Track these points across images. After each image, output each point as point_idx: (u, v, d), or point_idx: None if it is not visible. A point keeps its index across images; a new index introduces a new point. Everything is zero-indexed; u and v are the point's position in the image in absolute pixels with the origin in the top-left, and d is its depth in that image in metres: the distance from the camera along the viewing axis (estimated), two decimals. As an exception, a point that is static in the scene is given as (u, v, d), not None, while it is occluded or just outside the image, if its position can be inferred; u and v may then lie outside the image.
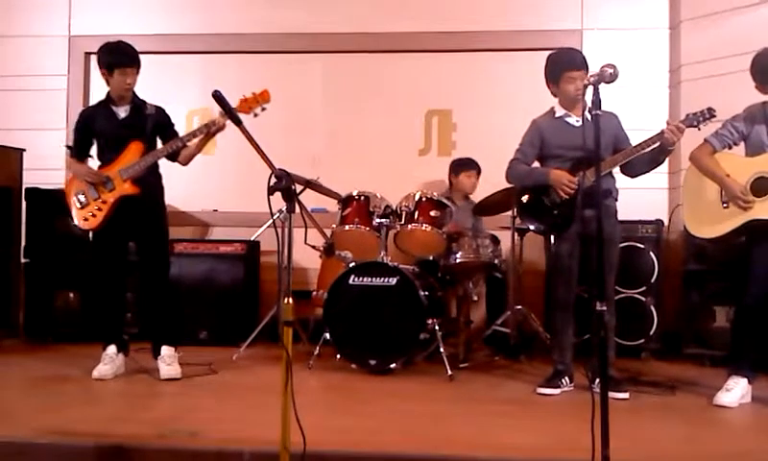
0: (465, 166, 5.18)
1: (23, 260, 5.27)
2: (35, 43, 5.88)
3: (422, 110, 5.74)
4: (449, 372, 3.98)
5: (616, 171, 3.74)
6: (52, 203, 5.20)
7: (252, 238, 5.24)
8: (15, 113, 5.81)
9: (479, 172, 5.18)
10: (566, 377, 3.73)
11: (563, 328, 3.79)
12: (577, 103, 3.74)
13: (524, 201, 3.87)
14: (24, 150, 5.31)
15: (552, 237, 3.88)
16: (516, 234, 4.80)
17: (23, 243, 5.27)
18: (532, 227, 3.91)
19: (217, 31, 5.79)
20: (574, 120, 3.78)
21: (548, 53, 3.88)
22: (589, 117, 2.48)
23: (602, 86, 2.50)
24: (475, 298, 4.62)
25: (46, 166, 5.58)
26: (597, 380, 2.53)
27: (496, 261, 4.43)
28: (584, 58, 3.81)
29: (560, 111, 3.82)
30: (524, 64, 5.34)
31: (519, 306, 4.79)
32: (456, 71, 5.69)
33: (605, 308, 2.37)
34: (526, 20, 5.56)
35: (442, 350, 4.05)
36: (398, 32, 5.66)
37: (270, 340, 4.79)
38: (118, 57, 3.89)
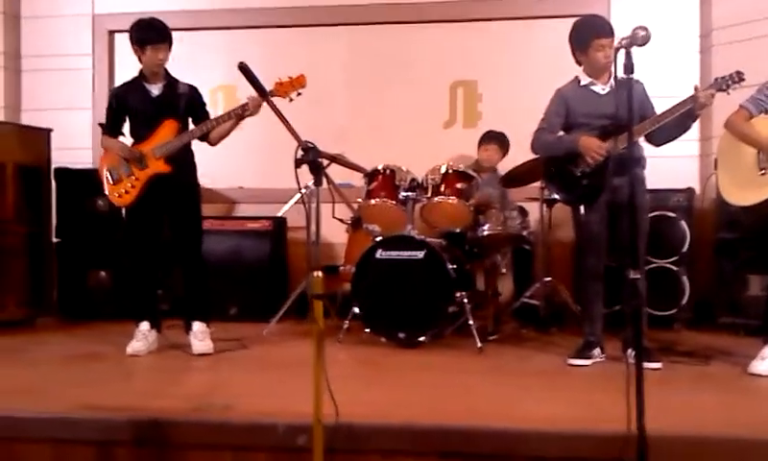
0: (482, 140, 5.10)
1: (54, 240, 5.34)
2: (59, 23, 5.89)
3: (447, 82, 5.67)
4: (479, 344, 3.97)
5: (641, 140, 3.67)
6: (81, 182, 5.25)
7: (278, 214, 5.25)
8: (42, 94, 5.87)
9: (502, 144, 5.06)
10: (598, 348, 3.70)
11: (593, 299, 3.75)
12: (604, 71, 3.67)
13: (552, 171, 3.81)
14: (52, 130, 5.35)
15: (582, 207, 3.83)
16: (544, 205, 4.75)
17: (54, 222, 5.34)
18: (559, 197, 3.85)
19: (240, 5, 5.75)
20: (600, 88, 3.71)
21: (574, 20, 3.81)
22: (614, 84, 2.42)
23: (633, 50, 2.44)
24: (503, 270, 4.60)
25: (74, 146, 5.64)
26: (630, 350, 2.50)
27: (524, 233, 4.40)
28: (611, 25, 3.74)
29: (585, 80, 3.75)
30: (551, 32, 5.19)
31: (548, 278, 4.75)
32: (481, 41, 5.60)
33: (639, 277, 2.33)
34: (552, -14, 5.45)
35: (470, 322, 4.04)
36: (422, 2, 5.58)
37: (298, 316, 4.81)
38: (150, 33, 3.90)
